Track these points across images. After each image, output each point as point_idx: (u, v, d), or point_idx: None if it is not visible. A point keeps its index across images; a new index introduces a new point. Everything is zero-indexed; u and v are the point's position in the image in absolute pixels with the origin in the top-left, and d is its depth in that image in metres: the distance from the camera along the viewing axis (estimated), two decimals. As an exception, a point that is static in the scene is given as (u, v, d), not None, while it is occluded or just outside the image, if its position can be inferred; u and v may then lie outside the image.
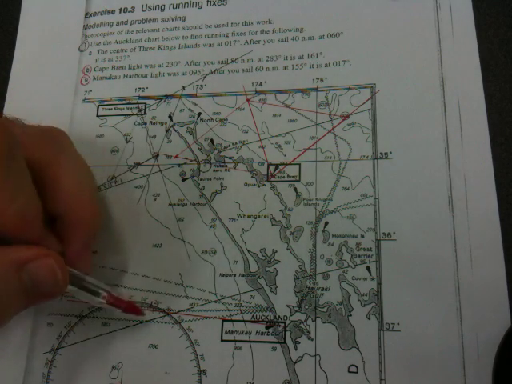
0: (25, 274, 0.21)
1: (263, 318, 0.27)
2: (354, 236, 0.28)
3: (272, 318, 0.27)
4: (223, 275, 0.28)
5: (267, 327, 0.27)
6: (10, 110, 0.34)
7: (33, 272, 0.21)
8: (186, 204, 0.30)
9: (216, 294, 0.28)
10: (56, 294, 0.23)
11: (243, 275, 0.28)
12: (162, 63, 0.33)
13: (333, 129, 0.30)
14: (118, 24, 0.35)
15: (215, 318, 0.28)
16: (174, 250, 0.29)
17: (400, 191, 0.28)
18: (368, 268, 0.27)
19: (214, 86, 0.32)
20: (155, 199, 0.30)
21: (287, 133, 0.30)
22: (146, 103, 0.33)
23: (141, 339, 0.28)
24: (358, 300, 0.27)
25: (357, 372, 0.26)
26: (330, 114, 0.30)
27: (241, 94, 0.32)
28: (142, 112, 0.32)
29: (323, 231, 0.28)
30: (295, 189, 0.29)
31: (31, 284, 0.21)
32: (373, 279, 0.27)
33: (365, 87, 0.30)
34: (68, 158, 0.25)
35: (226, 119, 0.31)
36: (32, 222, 0.22)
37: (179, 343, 0.27)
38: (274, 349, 0.27)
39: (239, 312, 0.27)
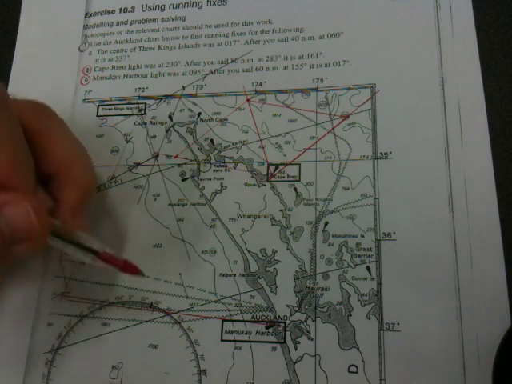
0: (1, 219, 0.21)
1: (263, 318, 0.27)
2: (354, 236, 0.28)
3: (272, 318, 0.27)
4: (223, 275, 0.28)
5: (267, 327, 0.27)
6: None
7: (8, 216, 0.21)
8: (186, 204, 0.30)
9: (216, 294, 0.28)
10: (33, 240, 0.22)
11: (243, 275, 0.28)
12: (162, 63, 0.33)
13: (333, 129, 0.30)
14: (118, 24, 0.35)
15: (215, 317, 0.28)
16: (174, 250, 0.29)
17: (400, 191, 0.28)
18: (368, 268, 0.27)
19: (214, 86, 0.32)
20: (155, 199, 0.30)
21: (287, 133, 0.30)
22: (145, 103, 0.33)
23: (141, 339, 0.28)
24: (358, 300, 0.27)
25: (357, 372, 0.26)
26: (330, 114, 0.30)
27: (241, 94, 0.32)
28: (142, 112, 0.32)
29: (323, 231, 0.28)
30: (295, 189, 0.29)
31: (8, 230, 0.21)
32: (373, 279, 0.27)
33: (365, 87, 0.30)
34: (59, 125, 0.26)
35: (226, 119, 0.31)
36: (22, 172, 0.22)
37: (179, 343, 0.27)
38: (274, 349, 0.27)
39: (239, 312, 0.27)
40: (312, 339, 0.26)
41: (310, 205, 0.29)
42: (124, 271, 0.25)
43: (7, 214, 0.21)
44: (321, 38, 0.32)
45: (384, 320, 0.26)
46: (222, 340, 0.27)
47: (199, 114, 0.32)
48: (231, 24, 0.34)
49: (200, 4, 0.35)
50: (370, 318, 0.26)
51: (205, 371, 0.27)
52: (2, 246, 0.21)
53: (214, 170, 0.30)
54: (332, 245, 0.28)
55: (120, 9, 0.35)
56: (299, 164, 0.30)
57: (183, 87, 0.33)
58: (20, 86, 0.34)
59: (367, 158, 0.29)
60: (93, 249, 0.24)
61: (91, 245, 0.24)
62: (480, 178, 0.28)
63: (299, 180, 0.29)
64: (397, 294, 0.26)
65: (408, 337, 0.26)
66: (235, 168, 0.30)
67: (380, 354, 0.26)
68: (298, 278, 0.28)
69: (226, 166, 0.30)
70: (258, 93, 0.32)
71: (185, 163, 0.31)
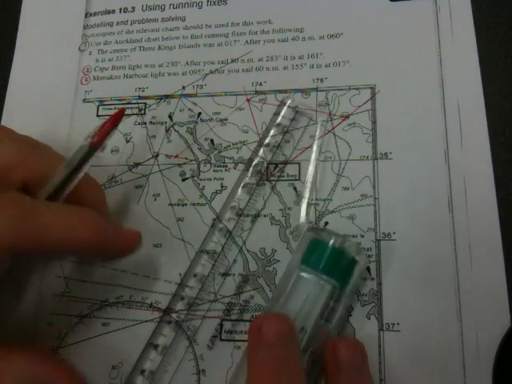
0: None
1: (263, 317, 0.27)
2: (353, 236, 0.28)
3: (272, 317, 0.27)
4: (223, 275, 0.28)
5: (267, 327, 0.27)
6: (10, 111, 0.34)
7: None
8: (186, 204, 0.30)
9: (215, 294, 0.28)
10: None
11: (242, 275, 0.28)
12: (162, 63, 0.33)
13: (333, 129, 0.30)
14: (118, 24, 0.35)
15: (215, 317, 0.28)
16: (174, 250, 0.29)
17: (400, 191, 0.28)
18: (368, 268, 0.27)
19: (213, 85, 0.32)
20: (155, 199, 0.30)
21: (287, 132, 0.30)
22: (145, 103, 0.33)
23: (141, 339, 0.28)
24: (358, 300, 0.27)
25: (357, 372, 0.26)
26: (330, 114, 0.30)
27: (241, 94, 0.32)
28: (142, 112, 0.32)
29: (323, 231, 0.28)
30: (295, 188, 0.29)
31: None
32: (373, 279, 0.27)
33: (365, 88, 0.30)
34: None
35: (226, 119, 0.31)
36: None
37: (179, 343, 0.27)
38: (274, 349, 0.27)
39: (239, 312, 0.27)
40: (312, 339, 0.26)
41: (309, 204, 0.29)
42: (117, 118, 0.27)
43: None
44: (321, 38, 0.32)
45: (384, 320, 0.26)
46: (221, 340, 0.27)
47: (199, 113, 0.32)
48: (231, 24, 0.34)
49: (200, 4, 0.35)
50: (369, 318, 0.26)
51: (204, 371, 0.27)
52: None
53: (214, 170, 0.30)
54: (332, 245, 0.28)
55: (120, 9, 0.35)
56: (299, 163, 0.30)
57: (183, 87, 0.33)
58: (20, 86, 0.34)
59: (367, 158, 0.29)
60: (85, 144, 0.26)
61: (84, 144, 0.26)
62: (480, 178, 0.28)
63: (299, 179, 0.29)
64: (397, 294, 0.26)
65: (408, 337, 0.26)
66: (235, 168, 0.30)
67: (380, 354, 0.26)
68: (297, 278, 0.27)
69: (226, 166, 0.30)
70: (257, 93, 0.32)
71: (185, 163, 0.31)
